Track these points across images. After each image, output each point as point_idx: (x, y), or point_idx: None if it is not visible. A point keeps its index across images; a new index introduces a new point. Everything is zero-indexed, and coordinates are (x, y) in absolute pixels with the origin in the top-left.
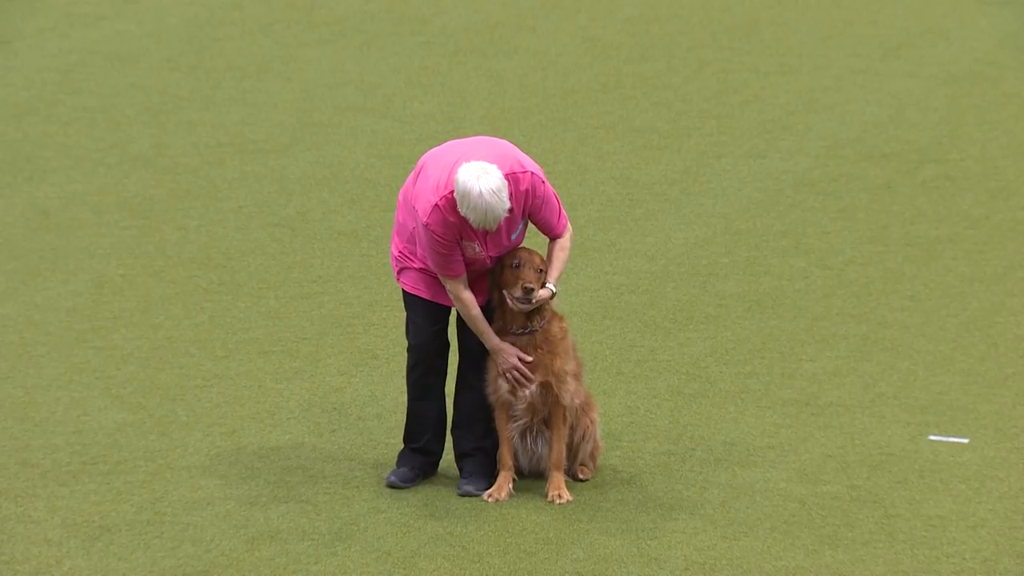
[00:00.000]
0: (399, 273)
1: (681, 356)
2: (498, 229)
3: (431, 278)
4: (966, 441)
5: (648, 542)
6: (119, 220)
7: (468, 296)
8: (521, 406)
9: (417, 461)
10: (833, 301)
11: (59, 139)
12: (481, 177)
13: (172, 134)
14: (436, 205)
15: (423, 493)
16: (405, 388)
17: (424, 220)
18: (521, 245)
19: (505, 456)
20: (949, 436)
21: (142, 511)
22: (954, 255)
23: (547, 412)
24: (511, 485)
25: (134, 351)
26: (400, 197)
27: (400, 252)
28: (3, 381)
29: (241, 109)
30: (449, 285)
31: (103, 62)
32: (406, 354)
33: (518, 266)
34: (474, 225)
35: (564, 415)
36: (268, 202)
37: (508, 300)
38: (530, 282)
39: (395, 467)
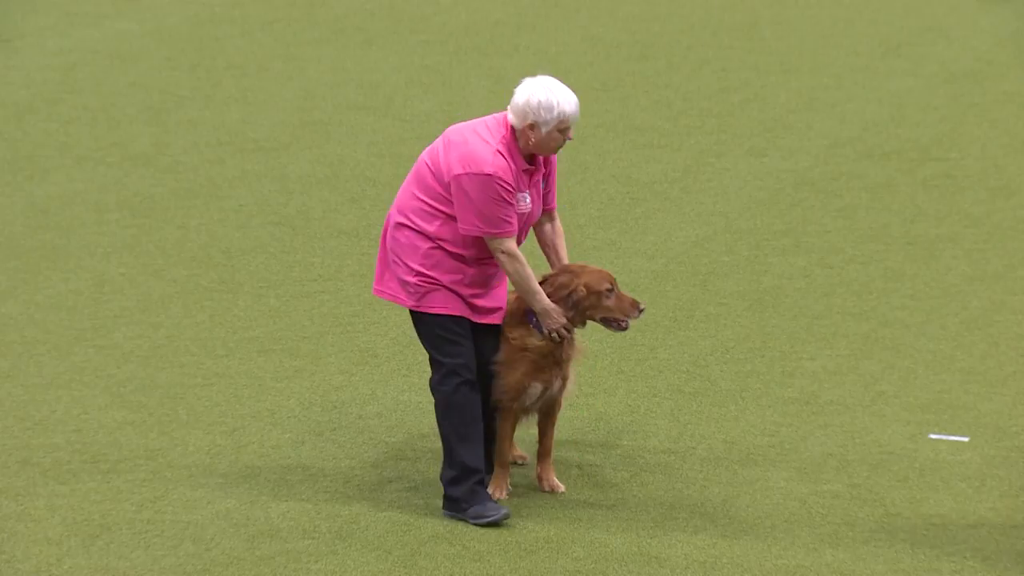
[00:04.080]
0: (422, 298)
1: (681, 354)
2: (536, 183)
3: (457, 291)
4: (967, 440)
5: (648, 540)
6: (120, 219)
7: (520, 254)
8: (534, 406)
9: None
10: (833, 300)
11: (59, 138)
12: (543, 78)
13: (172, 133)
14: (497, 151)
15: (423, 492)
16: (443, 424)
17: (489, 171)
18: (581, 265)
19: (505, 453)
20: (950, 435)
21: (142, 509)
22: (955, 254)
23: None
24: (508, 482)
25: (134, 350)
26: (410, 207)
27: (418, 275)
28: (4, 379)
29: (241, 108)
30: (505, 244)
31: (103, 61)
32: (438, 388)
33: (611, 290)
34: (571, 113)
35: (558, 410)
36: (269, 201)
37: (612, 326)
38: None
39: (478, 504)
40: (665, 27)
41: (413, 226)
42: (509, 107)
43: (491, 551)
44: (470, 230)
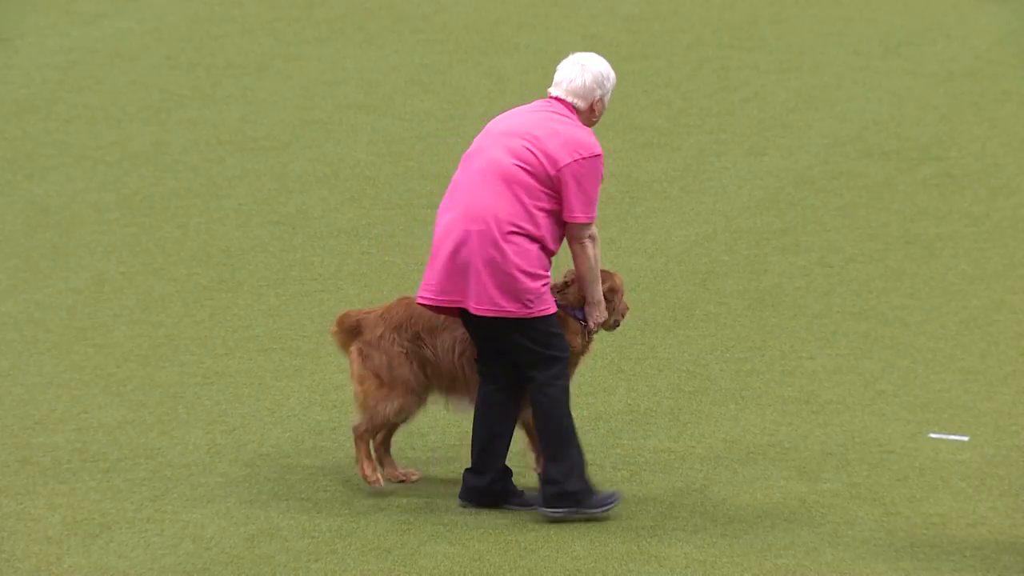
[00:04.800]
0: (540, 301)
1: (681, 353)
2: None
3: None
4: (966, 439)
5: (648, 539)
6: (119, 218)
7: None
8: None
9: None
10: (833, 299)
11: (59, 137)
12: (579, 55)
13: (172, 132)
14: (590, 132)
15: (424, 491)
16: (559, 417)
17: (599, 151)
18: (606, 271)
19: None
20: (949, 434)
21: (142, 509)
22: (954, 253)
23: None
24: None
25: (134, 349)
26: (518, 213)
27: (538, 278)
28: (3, 378)
29: (241, 107)
30: (593, 228)
31: (103, 60)
32: (555, 382)
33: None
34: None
35: None
36: (268, 200)
37: (613, 328)
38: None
39: (595, 494)
40: (665, 26)
41: (524, 232)
42: (568, 92)
43: (491, 550)
44: (578, 218)
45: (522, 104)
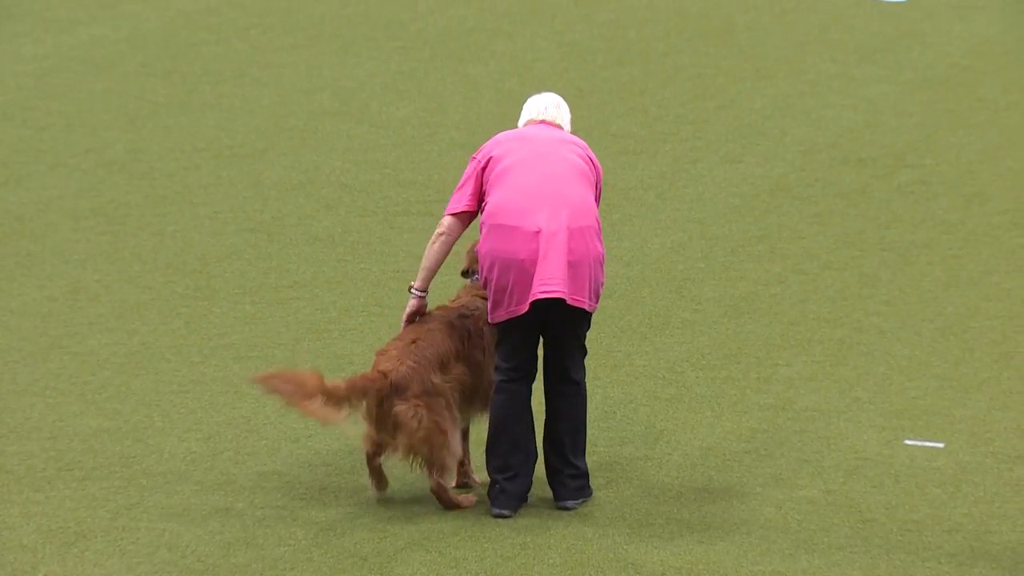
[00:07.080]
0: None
1: (657, 361)
2: None
3: None
4: (941, 446)
5: (625, 547)
6: (94, 225)
7: None
8: None
9: None
10: (809, 306)
11: (34, 144)
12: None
13: (147, 139)
14: None
15: (400, 498)
16: (586, 417)
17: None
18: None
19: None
20: (924, 440)
21: (117, 517)
22: (929, 260)
23: None
24: None
25: (110, 357)
26: (595, 210)
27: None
28: None
29: (217, 114)
30: None
31: (78, 67)
32: (584, 381)
33: None
34: None
35: None
36: (244, 207)
37: None
38: None
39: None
40: (640, 33)
41: (598, 228)
42: (560, 119)
43: (468, 557)
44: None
45: (497, 109)
